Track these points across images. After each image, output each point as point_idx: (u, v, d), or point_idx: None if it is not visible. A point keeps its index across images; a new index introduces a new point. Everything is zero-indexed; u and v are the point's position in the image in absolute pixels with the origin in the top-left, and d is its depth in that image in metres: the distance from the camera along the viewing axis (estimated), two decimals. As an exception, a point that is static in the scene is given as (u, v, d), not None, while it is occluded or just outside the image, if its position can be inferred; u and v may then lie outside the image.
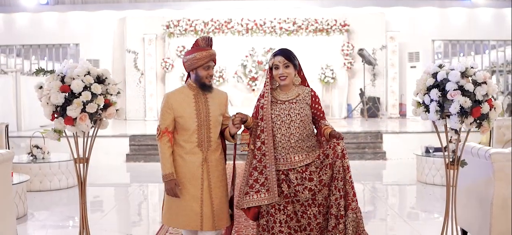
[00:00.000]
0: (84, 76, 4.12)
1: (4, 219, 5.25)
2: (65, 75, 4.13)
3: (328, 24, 18.22)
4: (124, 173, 11.50)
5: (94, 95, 4.12)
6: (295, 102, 4.25)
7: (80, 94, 4.08)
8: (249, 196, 4.21)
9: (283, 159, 4.22)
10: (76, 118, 4.09)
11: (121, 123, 17.25)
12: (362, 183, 9.52)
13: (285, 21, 18.31)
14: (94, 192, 9.18)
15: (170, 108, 4.15)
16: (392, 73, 18.33)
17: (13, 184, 6.66)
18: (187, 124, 4.15)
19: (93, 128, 4.36)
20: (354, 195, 4.15)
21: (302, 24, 18.26)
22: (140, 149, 12.64)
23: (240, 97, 17.48)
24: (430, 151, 9.29)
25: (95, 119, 4.28)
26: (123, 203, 8.43)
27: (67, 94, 4.11)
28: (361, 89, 17.81)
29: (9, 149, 10.02)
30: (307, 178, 4.16)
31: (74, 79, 4.08)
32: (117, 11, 19.25)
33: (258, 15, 18.47)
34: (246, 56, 18.07)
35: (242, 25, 18.34)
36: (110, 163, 11.98)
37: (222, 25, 18.36)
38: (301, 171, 4.18)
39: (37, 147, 9.08)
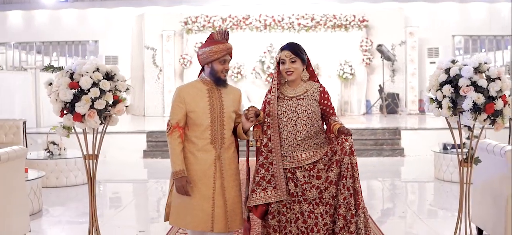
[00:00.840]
0: (93, 72, 4.10)
1: (17, 215, 5.30)
2: (74, 72, 4.12)
3: (346, 20, 18.07)
4: (141, 169, 11.52)
5: (102, 91, 4.10)
6: (303, 99, 4.08)
7: (89, 90, 4.07)
8: (256, 193, 4.05)
9: (289, 157, 4.05)
10: (84, 115, 4.08)
11: (140, 119, 17.32)
12: (379, 180, 9.46)
13: (303, 17, 18.20)
14: (112, 188, 9.26)
15: (183, 102, 3.99)
16: (412, 69, 18.13)
17: (28, 180, 6.75)
18: (200, 119, 3.99)
19: (102, 125, 4.33)
20: (361, 193, 3.98)
21: (321, 20, 18.13)
22: (158, 145, 12.65)
23: (258, 93, 17.39)
24: (448, 147, 9.15)
25: (105, 115, 4.26)
26: (140, 199, 8.45)
27: (76, 91, 4.10)
28: (380, 85, 17.67)
29: (26, 145, 10.13)
30: (315, 175, 3.99)
31: (82, 76, 4.07)
32: (135, 8, 19.32)
33: (276, 11, 18.38)
34: (264, 53, 17.98)
35: (260, 21, 18.27)
36: (127, 159, 12.03)
37: (240, 21, 18.32)
38: (308, 169, 4.02)
39: (54, 143, 9.12)
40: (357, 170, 3.97)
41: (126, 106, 4.36)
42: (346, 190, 3.91)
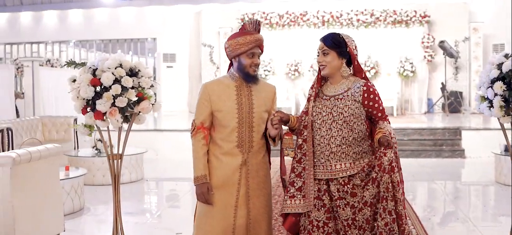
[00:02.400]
0: (115, 69, 3.89)
1: (51, 213, 5.21)
2: (96, 68, 3.93)
3: (407, 15, 17.55)
4: (192, 168, 11.36)
5: (124, 88, 3.89)
6: (341, 99, 3.49)
7: (111, 87, 3.87)
8: (284, 200, 3.57)
9: (322, 166, 3.51)
10: (106, 113, 3.88)
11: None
12: (436, 183, 9.02)
13: (362, 12, 17.79)
14: (159, 187, 9.20)
15: (208, 100, 3.58)
16: (476, 67, 17.37)
17: (69, 178, 6.69)
18: (226, 119, 3.57)
19: (127, 123, 4.14)
20: (406, 216, 3.37)
21: (380, 15, 17.68)
22: (210, 143, 12.49)
23: (315, 91, 17.10)
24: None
25: (129, 113, 4.05)
26: (186, 199, 8.29)
27: (99, 88, 3.91)
28: (442, 83, 17.01)
29: (77, 142, 10.16)
30: (350, 192, 3.43)
31: (104, 72, 3.87)
32: (193, 5, 19.31)
33: (334, 7, 18.03)
34: (322, 49, 17.62)
35: (318, 18, 17.96)
36: (179, 157, 11.91)
37: (298, 17, 18.05)
38: (342, 183, 3.46)
39: (101, 141, 9.06)
40: (400, 189, 3.34)
41: (152, 104, 4.11)
42: (387, 215, 3.31)
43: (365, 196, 3.39)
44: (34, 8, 20.44)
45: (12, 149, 8.54)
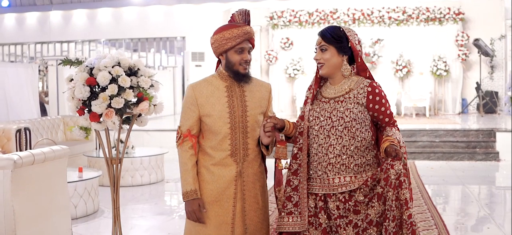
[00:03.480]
0: (113, 67, 3.64)
1: (57, 217, 5.03)
2: (94, 67, 3.70)
3: (440, 12, 17.04)
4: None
5: (121, 88, 3.64)
6: (342, 101, 3.07)
7: (107, 87, 3.63)
8: (281, 217, 3.15)
9: (319, 179, 3.09)
10: (102, 114, 3.64)
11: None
12: (468, 187, 8.66)
13: (394, 10, 17.35)
14: (177, 189, 8.97)
15: (194, 104, 3.19)
16: (512, 66, 16.84)
17: (82, 180, 6.51)
18: (217, 125, 3.17)
19: (127, 125, 3.90)
20: None
21: (413, 13, 17.21)
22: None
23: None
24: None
25: (129, 114, 3.81)
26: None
27: (96, 88, 3.67)
28: (477, 82, 16.45)
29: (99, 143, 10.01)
30: (352, 209, 3.00)
31: (101, 70, 3.63)
32: (222, 4, 19.14)
33: (365, 4, 17.61)
34: (353, 48, 17.26)
35: (348, 15, 17.56)
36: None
37: (328, 15, 17.69)
38: (343, 200, 3.02)
39: (121, 142, 8.87)
40: (408, 209, 2.85)
41: (154, 105, 3.85)
42: None
43: (370, 215, 2.98)
44: (64, 7, 20.59)
45: (30, 148, 8.43)
